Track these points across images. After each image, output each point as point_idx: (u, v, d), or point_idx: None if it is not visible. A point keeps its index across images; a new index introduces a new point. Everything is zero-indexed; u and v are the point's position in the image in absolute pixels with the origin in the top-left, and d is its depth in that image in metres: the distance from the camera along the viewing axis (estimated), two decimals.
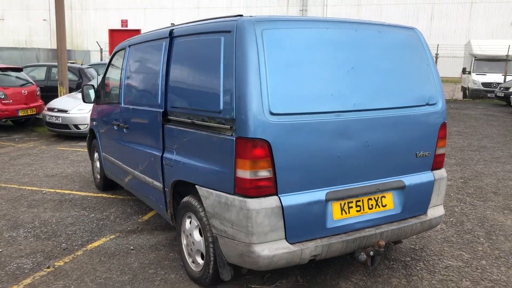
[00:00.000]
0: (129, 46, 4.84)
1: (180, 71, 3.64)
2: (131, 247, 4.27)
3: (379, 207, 3.35)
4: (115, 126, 5.05)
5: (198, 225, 3.46)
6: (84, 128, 9.68)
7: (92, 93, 5.73)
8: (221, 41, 3.11)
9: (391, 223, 3.42)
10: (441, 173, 3.69)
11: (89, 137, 6.40)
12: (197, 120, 3.35)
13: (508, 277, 3.64)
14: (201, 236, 3.44)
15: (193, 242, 3.53)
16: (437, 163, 3.65)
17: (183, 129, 3.54)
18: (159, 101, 3.88)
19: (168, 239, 4.47)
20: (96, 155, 6.15)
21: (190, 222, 3.60)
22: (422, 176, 3.56)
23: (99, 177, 6.13)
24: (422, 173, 3.58)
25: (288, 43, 3.02)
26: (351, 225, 3.23)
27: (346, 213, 3.20)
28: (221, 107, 3.05)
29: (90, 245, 4.33)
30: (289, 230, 2.99)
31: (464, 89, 23.24)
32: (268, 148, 2.88)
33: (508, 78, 20.73)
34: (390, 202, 3.41)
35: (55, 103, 10.32)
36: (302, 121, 2.98)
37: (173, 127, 3.70)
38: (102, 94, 5.66)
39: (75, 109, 9.76)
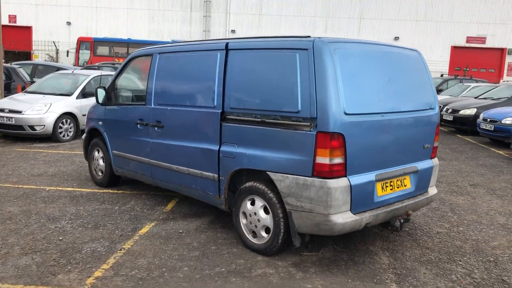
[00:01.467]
0: (159, 53, 5.40)
1: (244, 79, 4.37)
2: (180, 231, 4.87)
3: (402, 186, 4.41)
4: (139, 126, 5.55)
5: (263, 205, 4.22)
6: (40, 129, 9.64)
7: (103, 95, 6.09)
8: (297, 56, 3.95)
9: (409, 199, 4.50)
10: (436, 161, 4.87)
11: (87, 137, 6.70)
12: (267, 119, 4.13)
13: (483, 236, 4.93)
14: (267, 213, 4.20)
15: (258, 220, 4.28)
16: (434, 153, 4.83)
17: (248, 126, 4.29)
18: (215, 103, 4.58)
19: (205, 223, 5.12)
20: (97, 153, 6.48)
21: (252, 203, 4.34)
22: (426, 163, 4.71)
23: (101, 174, 6.48)
24: (426, 160, 4.72)
25: (351, 59, 3.96)
26: (388, 200, 4.25)
27: (384, 190, 4.21)
28: (299, 108, 3.88)
29: (140, 231, 4.84)
30: (353, 203, 3.92)
31: None
32: (342, 140, 3.79)
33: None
34: (409, 183, 4.49)
35: (3, 104, 10.06)
36: (363, 120, 3.94)
37: (234, 125, 4.42)
38: (115, 96, 6.08)
39: (30, 110, 9.66)
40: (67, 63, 27.06)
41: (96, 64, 22.33)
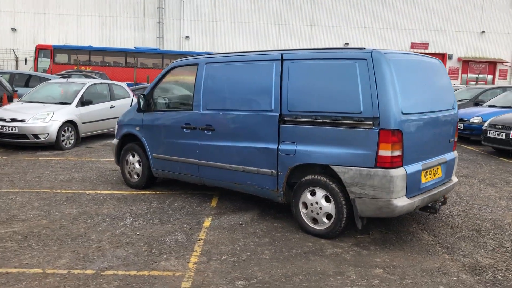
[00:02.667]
0: (206, 63, 5.92)
1: (302, 85, 5.01)
2: (240, 222, 5.42)
3: (437, 175, 5.19)
4: (185, 130, 6.04)
5: (324, 194, 4.87)
6: (44, 138, 9.79)
7: (144, 102, 6.52)
8: (356, 65, 4.64)
9: (441, 185, 5.29)
10: (456, 153, 5.71)
11: (119, 143, 7.07)
12: (328, 120, 4.79)
13: (495, 216, 5.82)
14: (328, 202, 4.85)
15: (320, 208, 4.91)
16: (454, 147, 5.66)
17: (309, 126, 4.93)
18: (273, 107, 5.19)
19: (256, 215, 5.68)
20: (132, 158, 6.87)
21: (312, 194, 4.97)
22: (451, 154, 5.53)
23: (136, 177, 6.88)
24: (451, 153, 5.54)
25: (401, 67, 4.70)
26: (428, 186, 5.01)
27: (426, 178, 4.97)
28: (361, 109, 4.57)
29: (204, 224, 5.34)
30: (408, 189, 4.64)
31: None
32: (401, 136, 4.51)
33: None
34: (440, 172, 5.28)
35: (3, 113, 10.10)
36: (414, 118, 4.69)
37: (293, 125, 5.04)
38: (154, 103, 6.53)
39: (33, 119, 9.78)
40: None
41: (63, 72, 22.08)
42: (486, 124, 10.98)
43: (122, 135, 7.03)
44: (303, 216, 5.10)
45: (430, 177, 5.06)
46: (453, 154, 5.60)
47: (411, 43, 48.73)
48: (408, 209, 4.68)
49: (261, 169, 5.37)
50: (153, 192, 6.71)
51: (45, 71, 26.84)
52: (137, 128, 6.76)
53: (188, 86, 6.50)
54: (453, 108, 5.56)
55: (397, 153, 4.52)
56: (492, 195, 6.90)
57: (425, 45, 48.58)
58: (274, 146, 5.21)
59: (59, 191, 6.71)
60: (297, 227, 5.22)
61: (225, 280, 3.92)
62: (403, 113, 4.53)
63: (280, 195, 5.29)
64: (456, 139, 5.67)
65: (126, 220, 5.43)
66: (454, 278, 4.03)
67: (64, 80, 12.36)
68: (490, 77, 44.66)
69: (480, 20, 47.69)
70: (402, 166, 4.59)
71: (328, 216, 4.90)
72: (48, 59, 28.43)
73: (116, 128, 7.23)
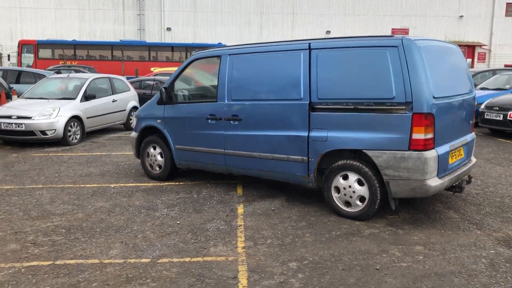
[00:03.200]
0: (229, 54, 6.04)
1: (332, 73, 5.17)
2: (272, 208, 5.60)
3: (460, 155, 5.44)
4: (210, 120, 6.16)
5: (357, 178, 5.06)
6: (51, 134, 9.77)
7: (166, 95, 6.61)
8: (387, 53, 4.82)
9: (463, 166, 5.54)
10: (474, 134, 5.96)
11: (139, 136, 7.16)
12: (360, 106, 4.97)
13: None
14: (361, 185, 5.05)
15: (353, 191, 5.11)
16: (472, 128, 5.91)
17: (340, 113, 5.10)
18: (302, 96, 5.34)
19: (284, 201, 5.86)
20: (153, 150, 6.96)
21: (344, 178, 5.16)
22: (470, 136, 5.78)
23: (158, 169, 6.98)
24: (470, 134, 5.79)
25: (430, 53, 4.90)
26: (454, 167, 5.26)
27: (452, 159, 5.21)
28: (394, 95, 4.76)
29: (238, 211, 5.50)
30: (439, 170, 4.87)
31: None
32: (432, 119, 4.72)
33: None
34: (463, 153, 5.52)
35: (9, 110, 10.04)
36: (443, 102, 4.90)
37: (324, 113, 5.21)
38: (176, 95, 6.63)
39: (39, 115, 9.75)
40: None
41: (50, 67, 21.81)
42: (482, 106, 11.34)
43: (142, 128, 7.11)
44: (335, 200, 5.29)
45: (455, 158, 5.30)
46: (472, 135, 5.85)
47: (392, 29, 49.19)
48: (440, 189, 4.91)
49: (291, 156, 5.53)
50: (177, 183, 6.83)
51: (29, 66, 26.44)
52: (159, 121, 6.85)
53: (210, 78, 6.62)
54: (471, 91, 5.79)
55: (430, 135, 4.73)
56: (503, 174, 7.20)
57: (405, 31, 49.11)
58: (305, 134, 5.37)
59: (82, 185, 6.77)
60: (328, 210, 5.42)
61: (278, 262, 4.09)
62: (434, 97, 4.74)
63: (311, 181, 5.47)
64: (474, 121, 5.91)
65: (161, 210, 5.55)
66: (492, 251, 4.28)
67: (65, 75, 12.28)
68: (469, 60, 45.31)
69: (459, 5, 48.39)
70: (433, 148, 4.80)
71: (361, 199, 5.10)
72: (32, 55, 27.97)
73: (134, 122, 7.30)
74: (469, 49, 49.36)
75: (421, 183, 4.75)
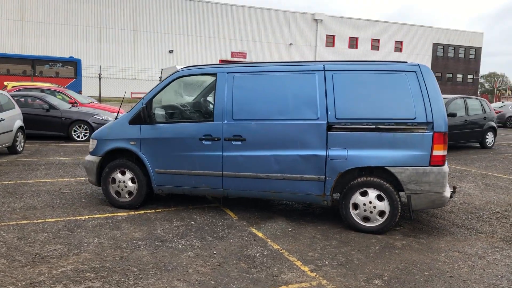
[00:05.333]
0: (227, 73, 5.84)
1: (350, 94, 5.42)
2: (289, 229, 5.54)
3: None
4: (204, 141, 5.85)
5: (377, 194, 5.37)
6: None
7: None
8: (406, 77, 5.27)
9: None
10: None
11: (100, 162, 6.38)
12: (381, 126, 5.31)
13: (468, 199, 7.07)
14: (381, 201, 5.37)
15: (374, 207, 5.39)
16: None
17: (360, 132, 5.36)
18: (318, 115, 5.47)
19: (289, 222, 5.84)
20: (121, 176, 6.27)
21: (363, 195, 5.42)
22: None
23: (128, 197, 6.30)
24: None
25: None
26: None
27: None
28: (415, 115, 5.22)
29: (259, 235, 5.31)
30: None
31: None
32: (447, 137, 5.30)
33: None
34: None
35: None
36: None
37: (342, 132, 5.41)
38: (159, 114, 6.10)
39: None
40: None
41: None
42: None
43: (107, 151, 6.32)
44: (353, 216, 5.49)
45: None
46: None
47: (231, 52, 51.65)
48: (448, 199, 5.48)
49: (305, 176, 5.56)
50: (153, 211, 6.24)
51: None
52: (132, 143, 6.18)
53: (203, 96, 6.23)
54: None
55: (445, 152, 5.28)
56: None
57: (243, 54, 51.97)
58: (322, 153, 5.47)
59: (42, 220, 5.73)
60: (342, 227, 5.59)
61: (360, 281, 4.11)
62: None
63: (326, 199, 5.57)
64: None
65: (178, 241, 5.05)
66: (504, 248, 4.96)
67: None
68: None
69: (288, 34, 53.15)
70: (444, 164, 5.36)
71: (381, 214, 5.39)
72: None
73: (94, 144, 6.45)
74: None
75: (440, 195, 5.26)
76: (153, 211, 6.23)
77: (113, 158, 6.41)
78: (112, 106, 17.64)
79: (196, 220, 5.83)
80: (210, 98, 6.03)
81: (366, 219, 5.45)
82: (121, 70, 45.57)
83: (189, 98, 7.15)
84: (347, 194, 5.48)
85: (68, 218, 5.83)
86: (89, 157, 6.55)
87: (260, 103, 5.75)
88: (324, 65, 5.58)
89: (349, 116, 5.42)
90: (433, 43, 58.69)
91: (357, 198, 5.45)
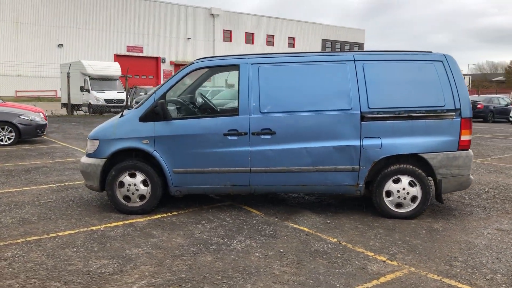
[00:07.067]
0: (252, 64, 5.59)
1: (381, 84, 5.50)
2: (327, 221, 5.48)
3: None
4: (230, 136, 5.56)
5: (410, 180, 5.54)
6: None
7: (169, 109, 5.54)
8: (434, 66, 5.50)
9: None
10: None
11: (105, 164, 5.76)
12: (413, 114, 5.48)
13: None
14: (413, 186, 5.55)
15: (407, 193, 5.54)
16: None
17: (393, 121, 5.47)
18: (351, 106, 5.49)
19: (318, 214, 5.79)
20: (130, 178, 5.72)
21: (397, 181, 5.55)
22: None
23: (139, 201, 5.76)
24: None
25: None
26: None
27: None
28: (444, 103, 5.47)
29: (305, 229, 5.19)
30: None
31: (68, 105, 25.12)
32: (472, 122, 5.63)
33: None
34: None
35: None
36: None
37: (375, 121, 5.48)
38: (176, 109, 5.69)
39: None
40: None
41: None
42: None
43: (114, 152, 5.71)
44: (387, 204, 5.59)
45: None
46: None
47: (127, 46, 49.65)
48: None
49: (339, 167, 5.54)
50: (169, 214, 5.78)
51: None
52: (145, 142, 5.65)
53: (224, 89, 5.85)
54: None
55: (471, 137, 5.61)
56: None
57: (140, 49, 50.21)
58: (356, 143, 5.49)
59: (53, 234, 5.01)
60: (371, 215, 5.68)
61: (440, 264, 4.20)
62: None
63: (359, 189, 5.61)
64: None
65: (231, 244, 4.73)
66: None
67: None
68: None
69: (186, 28, 52.42)
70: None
71: (413, 199, 5.56)
72: None
73: (95, 145, 5.78)
74: None
75: (467, 178, 5.58)
76: (169, 214, 5.76)
77: (116, 160, 5.80)
78: (29, 105, 15.94)
79: (226, 220, 5.51)
80: (232, 91, 5.70)
81: (399, 205, 5.57)
82: (1, 65, 41.22)
83: (211, 91, 6.69)
84: (381, 182, 5.56)
85: (82, 230, 5.16)
86: (88, 160, 5.85)
87: (289, 95, 5.59)
88: (353, 55, 5.58)
89: (382, 105, 5.49)
90: (322, 39, 61.88)
91: (390, 185, 5.55)
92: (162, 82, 49.59)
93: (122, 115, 5.86)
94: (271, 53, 5.85)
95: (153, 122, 5.63)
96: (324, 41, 61.41)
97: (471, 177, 5.63)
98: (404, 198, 5.54)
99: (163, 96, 5.65)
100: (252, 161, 5.57)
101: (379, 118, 5.48)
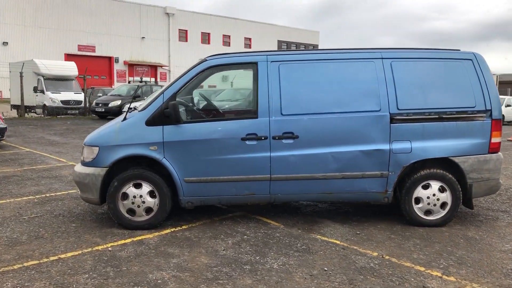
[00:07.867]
0: (271, 61, 5.10)
1: (411, 84, 5.15)
2: (357, 232, 5.07)
3: None
4: (248, 141, 5.06)
5: (440, 186, 5.22)
6: None
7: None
8: (463, 65, 5.21)
9: None
10: None
11: (105, 175, 5.10)
12: (444, 115, 5.16)
13: None
14: (442, 192, 5.24)
15: (437, 199, 5.20)
16: None
17: (424, 123, 5.13)
18: (380, 107, 5.11)
19: (341, 224, 5.39)
20: (135, 189, 5.09)
21: (426, 187, 5.21)
22: None
23: (146, 215, 5.13)
24: None
25: None
26: None
27: None
28: (475, 104, 5.19)
29: (338, 243, 4.77)
30: None
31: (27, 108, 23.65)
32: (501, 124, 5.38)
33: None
34: None
35: None
36: None
37: (406, 124, 5.13)
38: (187, 112, 5.12)
39: None
40: None
41: None
42: None
43: (116, 160, 5.05)
44: (416, 211, 5.25)
45: None
46: None
47: (78, 45, 47.78)
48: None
49: (367, 172, 5.15)
50: (179, 228, 5.19)
51: None
52: (153, 148, 5.03)
53: (240, 88, 5.31)
54: None
55: (501, 139, 5.35)
56: None
57: (92, 48, 48.39)
58: (386, 146, 5.11)
59: (54, 258, 4.32)
60: (398, 224, 5.33)
61: (498, 278, 3.89)
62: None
63: (387, 196, 5.24)
64: None
65: (265, 262, 4.22)
66: None
67: None
68: (153, 79, 48.17)
69: (140, 27, 50.96)
70: None
71: (442, 205, 5.25)
72: None
73: (94, 152, 5.11)
74: (152, 69, 52.57)
75: (497, 182, 5.33)
76: (179, 228, 5.17)
77: (115, 169, 5.15)
78: None
79: (246, 234, 4.99)
80: (250, 91, 5.17)
81: (428, 212, 5.24)
82: None
83: (226, 92, 6.09)
84: (410, 188, 5.20)
85: (86, 251, 4.48)
86: (86, 169, 5.16)
87: (312, 96, 5.14)
88: (381, 53, 5.19)
89: (411, 106, 5.14)
90: (278, 40, 61.92)
91: (419, 191, 5.21)
92: (115, 82, 48.00)
93: (125, 118, 5.19)
94: (291, 50, 5.37)
95: (162, 126, 5.02)
96: (279, 42, 61.54)
97: (500, 181, 5.38)
98: (434, 205, 5.21)
99: (173, 97, 5.05)
100: (273, 168, 5.08)
101: (409, 120, 5.12)
